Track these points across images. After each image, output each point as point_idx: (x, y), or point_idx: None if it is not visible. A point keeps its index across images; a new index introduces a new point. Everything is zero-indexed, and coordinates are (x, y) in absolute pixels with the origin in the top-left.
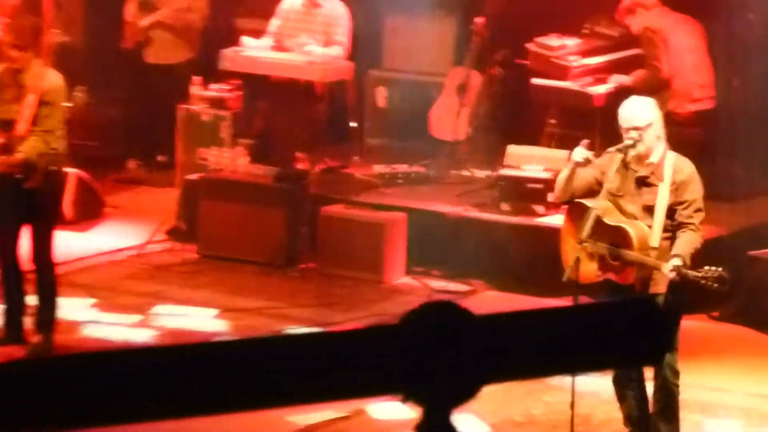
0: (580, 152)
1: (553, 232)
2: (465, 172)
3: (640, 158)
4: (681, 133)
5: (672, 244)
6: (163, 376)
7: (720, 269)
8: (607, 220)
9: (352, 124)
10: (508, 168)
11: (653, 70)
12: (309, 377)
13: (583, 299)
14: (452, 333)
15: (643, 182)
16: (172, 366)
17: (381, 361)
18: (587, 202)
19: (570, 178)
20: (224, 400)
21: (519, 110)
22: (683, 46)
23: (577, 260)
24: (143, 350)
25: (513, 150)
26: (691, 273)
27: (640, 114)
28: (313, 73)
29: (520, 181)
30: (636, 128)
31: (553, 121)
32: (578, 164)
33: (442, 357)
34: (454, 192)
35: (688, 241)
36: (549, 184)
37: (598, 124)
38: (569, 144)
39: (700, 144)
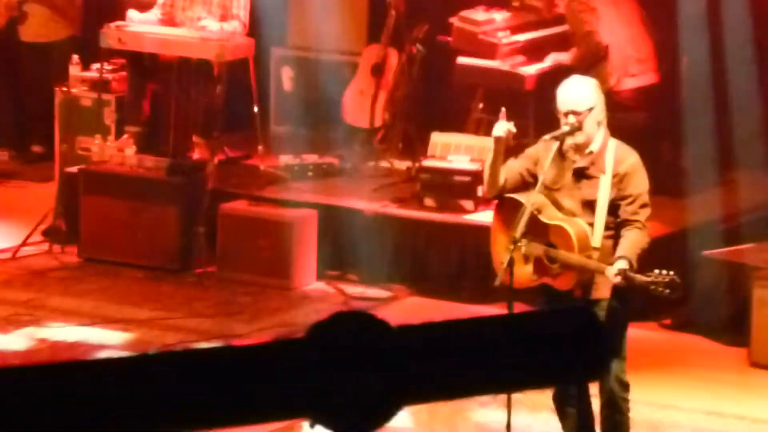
0: (500, 126)
1: (482, 231)
2: (383, 164)
3: (579, 147)
4: (623, 118)
5: (616, 244)
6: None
7: (671, 273)
8: (543, 218)
9: (255, 110)
10: (432, 159)
11: (588, 40)
12: (202, 400)
13: (518, 306)
14: (366, 347)
15: (582, 174)
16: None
17: (285, 380)
18: (520, 197)
19: (496, 163)
20: (99, 425)
21: (443, 93)
22: (614, 17)
23: (510, 262)
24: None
25: (437, 138)
26: (639, 277)
27: (579, 97)
28: (208, 51)
29: (445, 174)
30: (575, 112)
31: (480, 106)
32: (499, 140)
33: (354, 375)
34: (372, 186)
35: (633, 241)
36: (477, 176)
37: (531, 109)
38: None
39: (644, 129)
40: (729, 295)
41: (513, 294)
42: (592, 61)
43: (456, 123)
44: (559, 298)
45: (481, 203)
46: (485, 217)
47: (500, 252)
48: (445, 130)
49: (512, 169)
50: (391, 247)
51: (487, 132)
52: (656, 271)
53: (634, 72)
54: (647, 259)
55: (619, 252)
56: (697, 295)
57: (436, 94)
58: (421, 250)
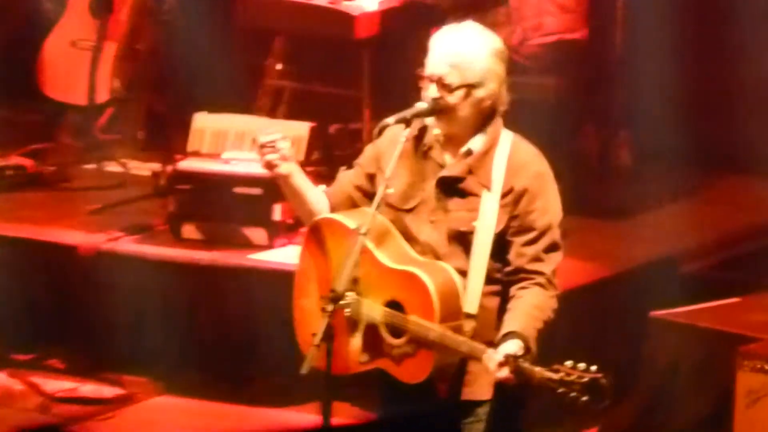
0: (263, 137)
1: (281, 280)
2: (112, 167)
3: (448, 142)
4: (524, 86)
5: (503, 308)
6: None
7: (592, 368)
8: (384, 258)
9: None
10: (195, 157)
11: None
12: None
13: (340, 410)
14: None
15: (452, 188)
16: None
17: None
18: (348, 218)
19: (295, 198)
20: None
21: (216, 47)
22: None
23: (327, 334)
24: None
25: (203, 123)
26: (538, 371)
27: (457, 54)
28: None
29: (216, 184)
30: (441, 82)
31: (279, 67)
32: (280, 177)
33: None
34: (91, 205)
35: (532, 308)
36: (273, 186)
37: (366, 73)
38: (312, 106)
39: (557, 105)
40: (696, 385)
41: (332, 387)
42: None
43: (240, 96)
44: (407, 397)
45: (280, 232)
46: (287, 255)
47: (310, 316)
48: (219, 108)
49: (340, 187)
50: (126, 311)
51: (293, 109)
52: (568, 363)
53: (552, 28)
54: (557, 333)
55: (508, 326)
56: (643, 386)
57: (205, 49)
58: (173, 314)
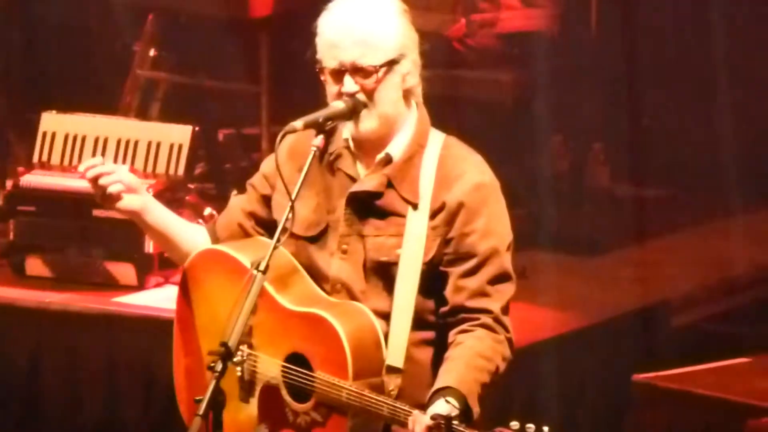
0: (84, 165)
1: (152, 329)
2: None
3: (363, 146)
4: (472, 81)
5: (438, 360)
6: None
7: (544, 429)
8: (283, 299)
9: None
10: (42, 171)
11: None
12: None
13: None
14: None
15: (367, 207)
16: None
17: None
18: (237, 252)
19: (161, 238)
20: None
21: (63, 26)
22: None
23: (215, 399)
24: None
25: (52, 125)
26: None
27: (369, 31)
28: None
29: (71, 204)
30: (357, 68)
31: (152, 53)
32: (111, 200)
33: None
34: None
35: (474, 357)
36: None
37: (265, 63)
38: (196, 105)
39: (513, 107)
40: None
41: None
42: None
43: (100, 90)
44: None
45: (153, 269)
46: (162, 298)
47: (194, 377)
48: (73, 106)
49: (229, 217)
50: None
51: (169, 110)
52: (514, 425)
53: (510, 25)
54: (516, 395)
55: (442, 380)
56: None
57: (53, 28)
58: (17, 369)
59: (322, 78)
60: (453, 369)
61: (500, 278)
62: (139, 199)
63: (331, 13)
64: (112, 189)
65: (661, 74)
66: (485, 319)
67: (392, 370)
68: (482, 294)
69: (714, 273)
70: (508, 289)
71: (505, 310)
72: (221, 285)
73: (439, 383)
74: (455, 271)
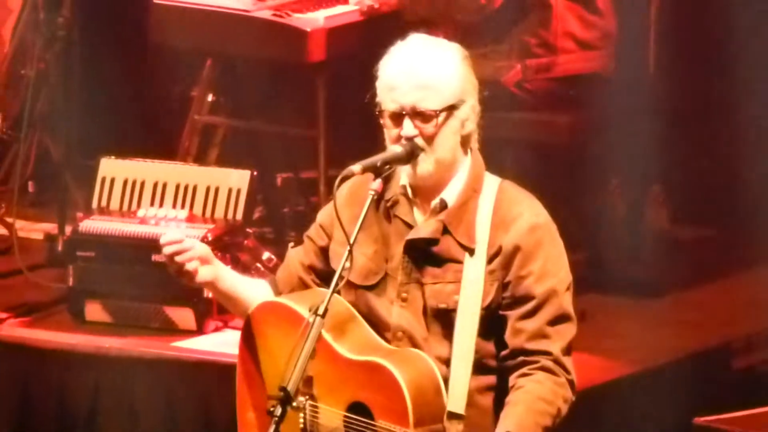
0: (165, 239)
1: (211, 374)
2: None
3: (420, 192)
4: (525, 122)
5: (500, 405)
6: None
7: None
8: (342, 349)
9: None
10: (101, 216)
11: None
12: None
13: None
14: None
15: (424, 253)
16: None
17: None
18: (295, 303)
19: (227, 297)
20: None
21: (121, 73)
22: None
23: None
24: None
25: (111, 170)
26: None
27: (430, 76)
28: None
29: (130, 250)
30: (417, 112)
31: (210, 98)
32: (189, 276)
33: None
34: None
35: (535, 400)
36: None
37: (322, 106)
38: (253, 149)
39: (570, 159)
40: None
41: None
42: (466, 13)
43: (159, 136)
44: None
45: (213, 313)
46: (221, 342)
47: (255, 425)
48: (131, 152)
49: (288, 270)
50: (10, 409)
51: (227, 155)
52: None
53: (565, 70)
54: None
55: (503, 425)
56: None
57: (112, 74)
58: (77, 415)
59: (381, 121)
60: (513, 413)
61: (559, 319)
62: (212, 270)
63: (393, 56)
64: (189, 266)
65: (719, 113)
66: (545, 361)
67: (453, 416)
68: (541, 336)
69: None
70: (568, 330)
71: (566, 351)
72: (281, 336)
73: (500, 428)
74: (513, 314)
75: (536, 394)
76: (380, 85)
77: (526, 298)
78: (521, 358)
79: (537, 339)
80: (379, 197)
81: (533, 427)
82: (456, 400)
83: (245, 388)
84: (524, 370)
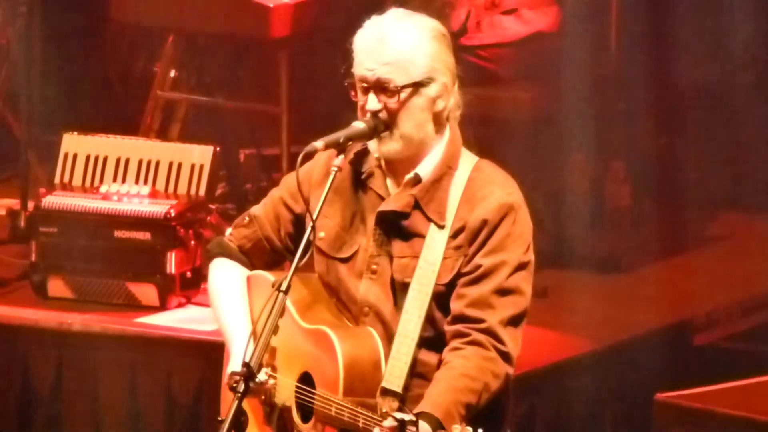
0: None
1: (175, 350)
2: None
3: (395, 165)
4: (496, 109)
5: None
6: None
7: None
8: (302, 320)
9: None
10: (63, 192)
11: None
12: None
13: None
14: None
15: (395, 226)
16: None
17: None
18: (270, 274)
19: None
20: None
21: (83, 49)
22: None
23: (236, 420)
24: None
25: (73, 146)
26: None
27: (398, 50)
28: None
29: (93, 225)
30: (383, 85)
31: (172, 74)
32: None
33: None
34: None
35: (458, 378)
36: (167, 231)
37: (284, 83)
38: (216, 126)
39: (533, 135)
40: None
41: None
42: None
43: (121, 111)
44: None
45: (176, 289)
46: (184, 318)
47: (228, 395)
48: (94, 128)
49: (255, 234)
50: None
51: (189, 131)
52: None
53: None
54: (536, 417)
55: (421, 405)
56: None
57: (73, 51)
58: (40, 391)
59: (350, 90)
60: (433, 393)
61: (505, 291)
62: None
63: (365, 28)
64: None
65: (682, 91)
66: (476, 335)
67: (388, 392)
68: (483, 303)
69: (736, 291)
70: (512, 303)
71: (507, 322)
72: (259, 303)
73: (418, 408)
74: (461, 281)
75: (459, 371)
76: (355, 51)
77: (475, 267)
78: (458, 326)
79: (478, 306)
80: (356, 168)
81: (452, 405)
82: (393, 377)
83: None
84: (455, 343)
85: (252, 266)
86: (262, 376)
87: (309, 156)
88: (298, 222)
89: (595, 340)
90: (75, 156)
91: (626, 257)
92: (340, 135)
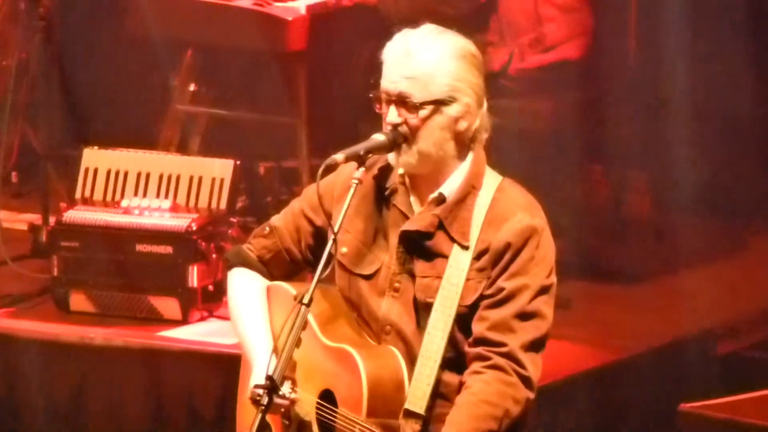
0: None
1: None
2: None
3: (419, 183)
4: (515, 120)
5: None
6: None
7: None
8: (324, 336)
9: None
10: (84, 207)
11: None
12: None
13: None
14: None
15: (418, 246)
16: None
17: None
18: (292, 286)
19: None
20: None
21: (102, 64)
22: None
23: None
24: None
25: (94, 161)
26: None
27: (420, 66)
28: None
29: (114, 240)
30: (403, 99)
31: (191, 88)
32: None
33: None
34: None
35: (479, 404)
36: (188, 244)
37: (303, 95)
38: (235, 139)
39: (552, 146)
40: None
41: None
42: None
43: (141, 126)
44: None
45: (197, 303)
46: (205, 332)
47: (246, 408)
48: (114, 142)
49: (275, 246)
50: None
51: (209, 144)
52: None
53: (555, 37)
54: (558, 429)
55: (447, 428)
56: None
57: (92, 65)
58: (62, 406)
59: (374, 103)
60: (455, 420)
61: (527, 315)
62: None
63: (394, 41)
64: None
65: (699, 102)
66: (497, 359)
67: (410, 414)
68: (504, 327)
69: (759, 300)
70: (534, 327)
71: (528, 347)
72: (280, 316)
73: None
74: (483, 303)
75: (480, 397)
76: (384, 66)
77: (498, 290)
78: (480, 349)
79: (499, 330)
80: (380, 184)
81: None
82: (415, 399)
83: (248, 371)
84: (476, 366)
85: (271, 276)
86: (285, 390)
87: (330, 168)
88: (319, 234)
89: (618, 351)
90: (96, 170)
91: (648, 267)
92: (360, 147)
